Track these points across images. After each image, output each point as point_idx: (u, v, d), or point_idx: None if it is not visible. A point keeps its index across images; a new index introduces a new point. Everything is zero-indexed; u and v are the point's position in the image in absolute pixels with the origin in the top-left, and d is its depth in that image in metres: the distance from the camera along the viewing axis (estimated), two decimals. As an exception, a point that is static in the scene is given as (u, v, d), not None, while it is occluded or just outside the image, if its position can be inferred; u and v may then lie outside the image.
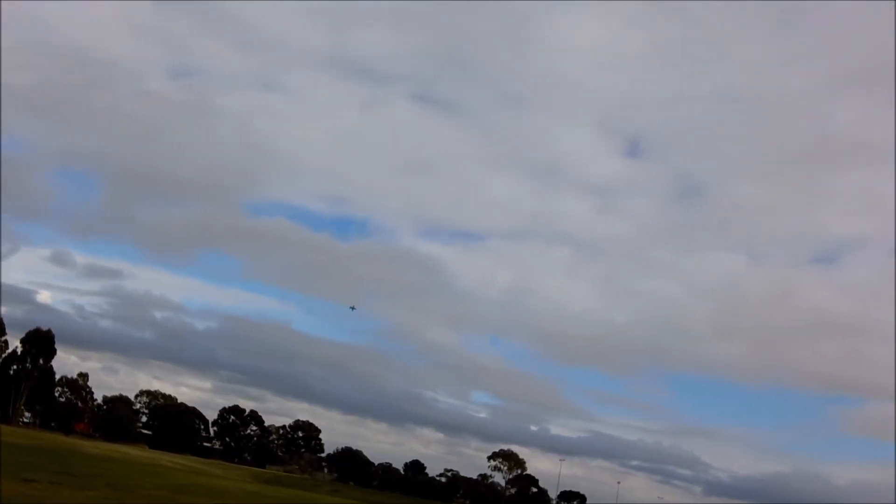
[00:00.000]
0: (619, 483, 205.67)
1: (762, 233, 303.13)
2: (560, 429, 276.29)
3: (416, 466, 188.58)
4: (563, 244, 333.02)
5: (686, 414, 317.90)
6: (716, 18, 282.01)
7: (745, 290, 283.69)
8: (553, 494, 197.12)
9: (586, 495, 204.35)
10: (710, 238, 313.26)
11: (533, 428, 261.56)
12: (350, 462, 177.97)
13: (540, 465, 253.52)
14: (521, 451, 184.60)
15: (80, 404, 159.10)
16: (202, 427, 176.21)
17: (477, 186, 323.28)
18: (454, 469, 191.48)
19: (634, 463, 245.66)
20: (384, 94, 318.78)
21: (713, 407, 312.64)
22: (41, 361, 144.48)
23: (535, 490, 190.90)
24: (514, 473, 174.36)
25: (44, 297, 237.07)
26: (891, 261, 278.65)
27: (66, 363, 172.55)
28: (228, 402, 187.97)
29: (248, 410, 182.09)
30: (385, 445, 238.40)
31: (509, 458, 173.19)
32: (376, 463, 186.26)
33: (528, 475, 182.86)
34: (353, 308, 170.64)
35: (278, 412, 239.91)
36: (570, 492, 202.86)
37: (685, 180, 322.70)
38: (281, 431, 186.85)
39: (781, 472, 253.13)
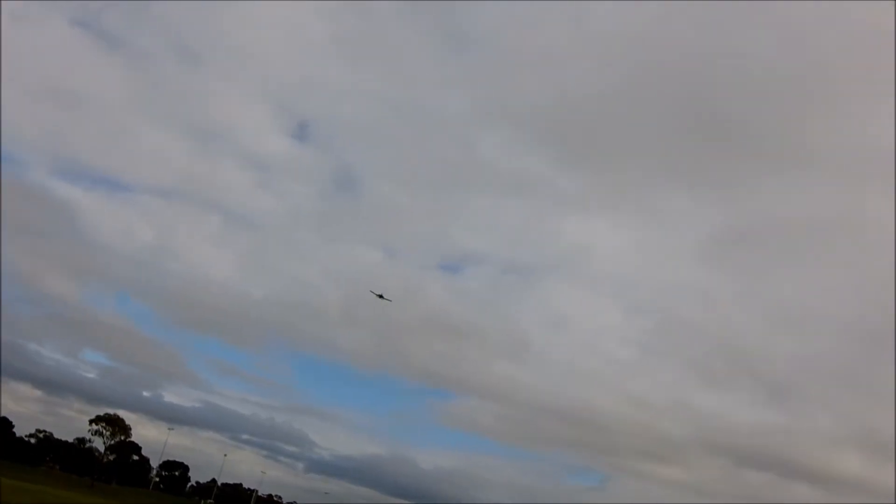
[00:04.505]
0: (225, 455, 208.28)
1: (401, 234, 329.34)
2: (175, 397, 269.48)
3: (1, 424, 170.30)
4: (213, 211, 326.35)
5: (303, 393, 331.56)
6: (395, 29, 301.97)
7: (376, 283, 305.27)
8: (155, 463, 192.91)
9: (190, 466, 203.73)
10: (355, 230, 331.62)
11: (146, 394, 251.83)
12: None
13: (147, 433, 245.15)
14: (129, 417, 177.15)
15: None
16: None
17: (132, 135, 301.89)
18: (48, 430, 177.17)
19: (245, 437, 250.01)
20: (40, 8, 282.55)
21: (330, 389, 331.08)
22: None
23: (136, 458, 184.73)
24: (117, 439, 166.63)
25: None
26: (501, 277, 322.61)
27: None
28: None
29: None
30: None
31: (114, 424, 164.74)
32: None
33: (132, 442, 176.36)
34: (381, 296, 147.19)
35: None
36: (174, 461, 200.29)
37: (343, 172, 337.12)
38: None
39: (377, 454, 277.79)
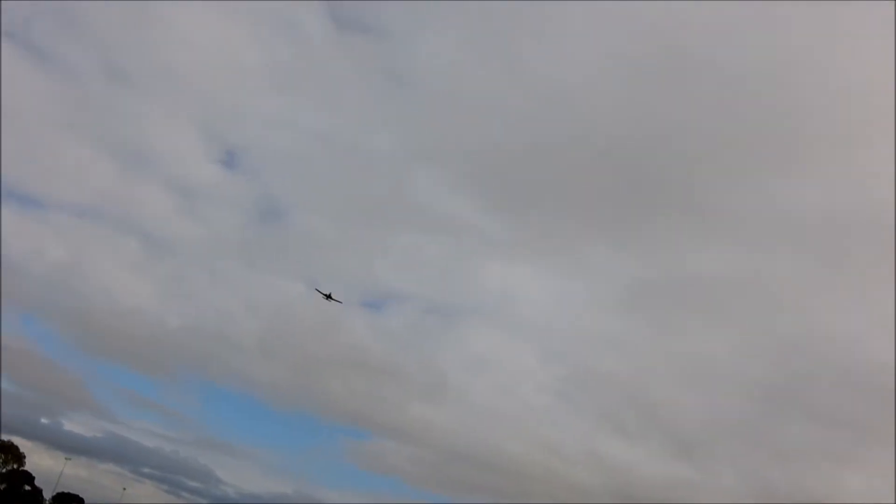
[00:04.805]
0: (124, 489, 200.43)
1: (325, 268, 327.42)
2: (76, 425, 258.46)
3: None
4: (132, 234, 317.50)
5: (213, 427, 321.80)
6: (332, 63, 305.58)
7: (297, 317, 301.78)
8: (48, 494, 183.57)
9: (85, 499, 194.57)
10: (278, 262, 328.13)
11: (44, 421, 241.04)
12: None
13: (42, 462, 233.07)
14: (24, 445, 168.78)
15: None
16: None
17: (51, 150, 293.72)
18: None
19: (146, 470, 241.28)
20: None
21: (241, 424, 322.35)
22: None
23: (28, 488, 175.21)
24: (9, 468, 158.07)
25: None
26: (423, 317, 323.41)
27: None
28: None
29: None
30: None
31: (6, 451, 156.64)
32: None
33: (25, 471, 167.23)
34: (328, 296, 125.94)
35: None
36: (68, 494, 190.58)
37: (270, 202, 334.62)
38: None
39: (284, 493, 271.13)
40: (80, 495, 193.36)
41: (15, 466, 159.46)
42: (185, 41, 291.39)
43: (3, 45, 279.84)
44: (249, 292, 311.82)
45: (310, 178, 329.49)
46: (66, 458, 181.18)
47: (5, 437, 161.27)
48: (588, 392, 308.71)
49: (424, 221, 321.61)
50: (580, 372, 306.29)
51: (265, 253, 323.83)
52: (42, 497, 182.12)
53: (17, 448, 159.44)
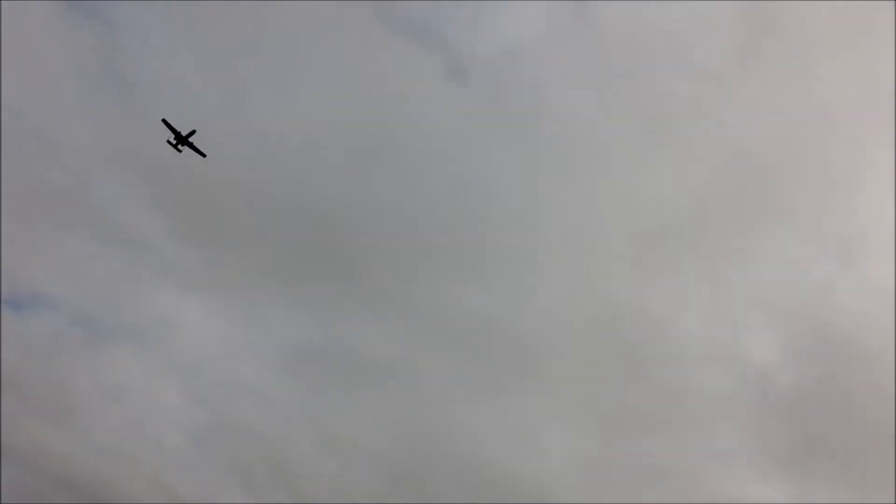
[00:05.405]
0: None
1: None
2: None
3: None
4: None
5: None
6: (50, 44, 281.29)
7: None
8: None
9: None
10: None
11: None
12: None
13: None
14: None
15: None
16: None
17: None
18: None
19: None
20: None
21: None
22: None
23: None
24: None
25: None
26: (68, 329, 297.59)
27: None
28: None
29: None
30: None
31: None
32: None
33: None
34: (183, 139, 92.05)
35: None
36: None
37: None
38: None
39: None
40: None
41: None
42: None
43: None
44: None
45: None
46: None
47: None
48: (225, 442, 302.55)
49: (101, 229, 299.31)
50: (223, 420, 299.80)
51: None
52: None
53: None
